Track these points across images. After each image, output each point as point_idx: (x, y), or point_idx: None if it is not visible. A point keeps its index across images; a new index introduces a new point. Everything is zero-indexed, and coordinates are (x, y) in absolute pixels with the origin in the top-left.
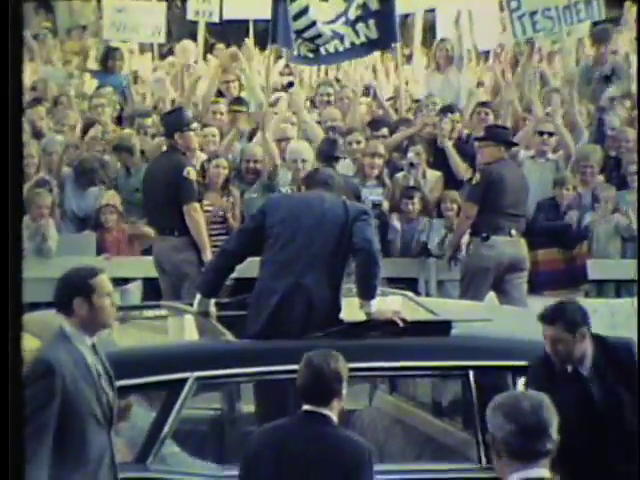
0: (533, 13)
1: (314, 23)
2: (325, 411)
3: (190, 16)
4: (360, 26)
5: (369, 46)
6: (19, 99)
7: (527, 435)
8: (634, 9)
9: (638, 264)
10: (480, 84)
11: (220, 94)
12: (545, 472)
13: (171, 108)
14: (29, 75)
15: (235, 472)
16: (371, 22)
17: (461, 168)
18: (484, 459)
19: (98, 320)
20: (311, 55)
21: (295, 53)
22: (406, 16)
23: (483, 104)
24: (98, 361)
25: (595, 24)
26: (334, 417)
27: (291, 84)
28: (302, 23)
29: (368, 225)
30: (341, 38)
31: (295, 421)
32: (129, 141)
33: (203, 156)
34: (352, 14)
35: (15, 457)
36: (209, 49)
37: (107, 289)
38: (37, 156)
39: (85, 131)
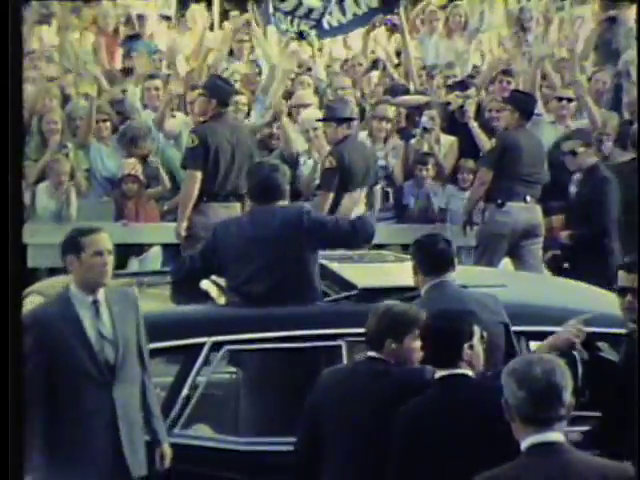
0: None
1: (300, 2)
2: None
3: None
4: None
5: (370, 14)
6: (19, 82)
7: (537, 401)
8: (634, 8)
9: (639, 246)
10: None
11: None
12: (558, 436)
13: (213, 77)
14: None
15: (253, 439)
16: None
17: (488, 145)
18: None
19: (89, 278)
20: (314, 31)
21: (294, 29)
22: None
23: (505, 72)
24: (102, 321)
25: None
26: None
27: (302, 35)
28: (290, 4)
29: (320, 227)
30: (343, 10)
31: (358, 363)
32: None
33: None
34: None
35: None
36: (224, 16)
37: (99, 248)
38: (60, 122)
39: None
